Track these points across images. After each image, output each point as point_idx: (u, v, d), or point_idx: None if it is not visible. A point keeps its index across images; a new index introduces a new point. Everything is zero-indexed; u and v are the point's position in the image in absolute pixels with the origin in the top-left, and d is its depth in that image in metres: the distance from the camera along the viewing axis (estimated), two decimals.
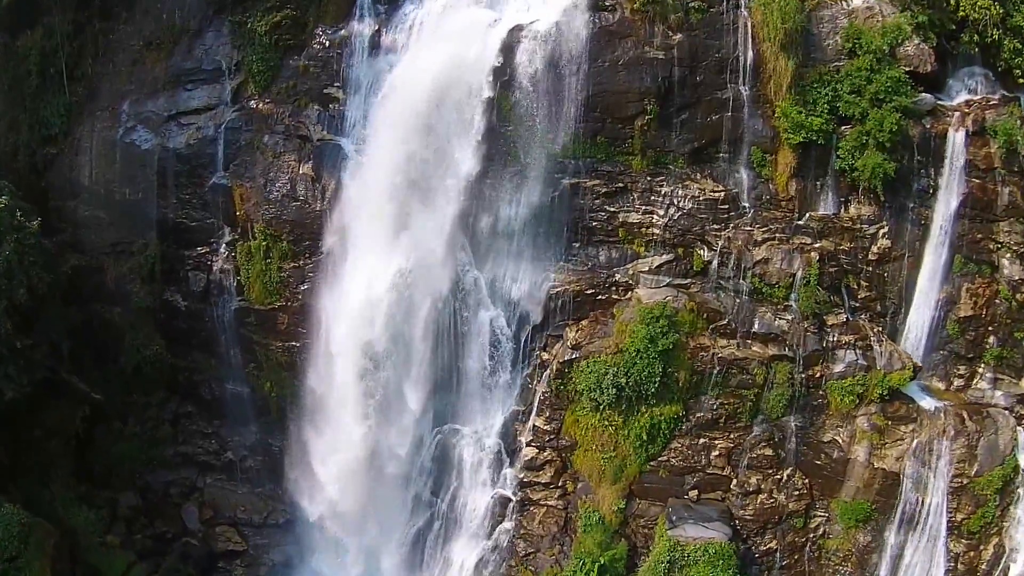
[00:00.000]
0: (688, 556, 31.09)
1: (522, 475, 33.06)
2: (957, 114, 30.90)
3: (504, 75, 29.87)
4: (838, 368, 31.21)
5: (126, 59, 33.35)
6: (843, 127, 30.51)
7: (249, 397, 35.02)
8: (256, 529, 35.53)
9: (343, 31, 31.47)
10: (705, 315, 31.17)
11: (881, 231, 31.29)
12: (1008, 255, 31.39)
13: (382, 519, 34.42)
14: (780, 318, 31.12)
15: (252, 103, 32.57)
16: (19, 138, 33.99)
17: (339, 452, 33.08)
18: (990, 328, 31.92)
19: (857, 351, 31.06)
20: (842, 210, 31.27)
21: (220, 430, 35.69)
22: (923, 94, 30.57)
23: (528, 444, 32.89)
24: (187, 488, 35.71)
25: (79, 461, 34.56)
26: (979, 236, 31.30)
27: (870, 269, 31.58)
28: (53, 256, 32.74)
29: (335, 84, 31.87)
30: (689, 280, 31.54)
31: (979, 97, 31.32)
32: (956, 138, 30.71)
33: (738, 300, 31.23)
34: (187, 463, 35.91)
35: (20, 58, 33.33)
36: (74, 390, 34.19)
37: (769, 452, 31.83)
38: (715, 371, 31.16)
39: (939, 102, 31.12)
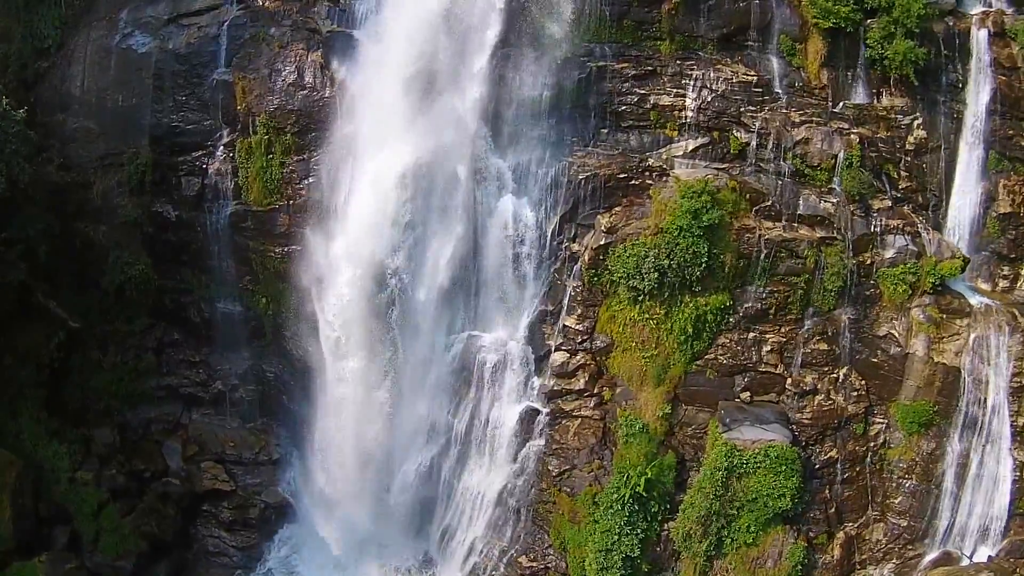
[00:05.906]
0: (747, 462, 25.16)
1: (552, 384, 26.88)
2: (977, 15, 27.91)
3: None
4: (889, 254, 26.56)
5: None
6: (869, 20, 27.08)
7: (241, 317, 28.89)
8: (246, 467, 28.57)
9: None
10: (748, 196, 26.47)
11: (916, 122, 27.60)
12: None
13: (391, 450, 27.41)
14: (825, 200, 26.44)
15: (258, 1, 28.00)
16: (11, 48, 28.89)
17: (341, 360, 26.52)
18: None
19: (907, 236, 26.44)
20: (875, 100, 27.49)
21: (209, 358, 29.26)
22: None
23: (558, 348, 26.99)
24: (170, 425, 28.93)
25: (53, 394, 27.95)
26: (1011, 133, 27.75)
27: (909, 159, 27.54)
28: (37, 149, 26.92)
29: None
30: (727, 164, 26.92)
31: (994, 9, 28.39)
32: (980, 35, 27.83)
33: (780, 182, 26.65)
34: (171, 397, 29.23)
35: None
36: (49, 314, 27.44)
37: (824, 347, 26.50)
38: (762, 255, 26.02)
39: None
